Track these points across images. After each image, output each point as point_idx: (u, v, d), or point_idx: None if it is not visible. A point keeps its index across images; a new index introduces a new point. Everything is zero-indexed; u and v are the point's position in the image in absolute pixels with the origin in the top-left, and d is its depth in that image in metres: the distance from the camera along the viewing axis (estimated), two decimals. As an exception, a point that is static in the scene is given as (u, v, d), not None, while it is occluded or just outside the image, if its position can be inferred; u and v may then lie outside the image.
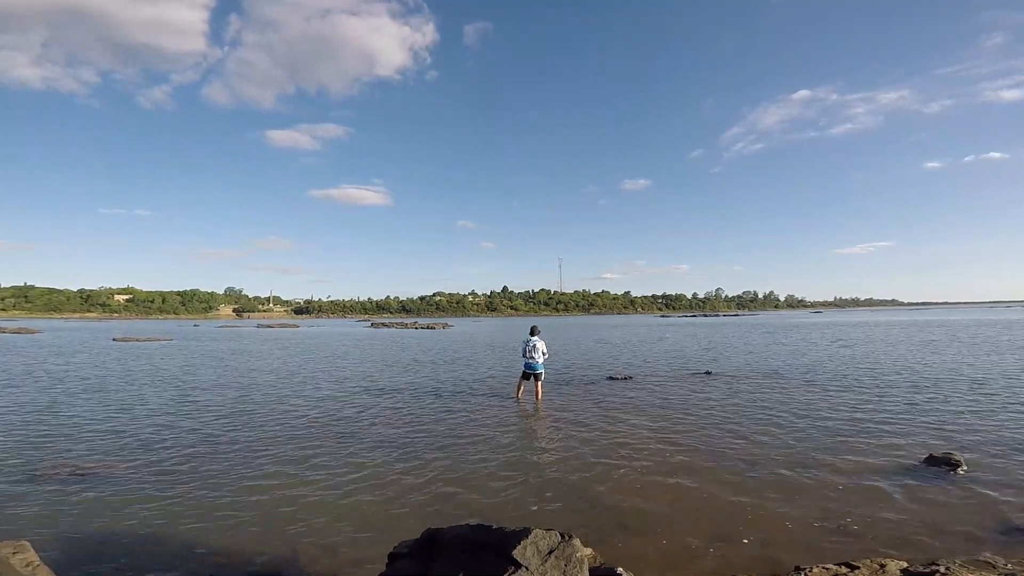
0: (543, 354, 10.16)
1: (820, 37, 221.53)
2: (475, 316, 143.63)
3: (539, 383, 10.14)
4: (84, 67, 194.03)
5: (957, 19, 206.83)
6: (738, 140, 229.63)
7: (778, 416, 8.37)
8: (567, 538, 3.07)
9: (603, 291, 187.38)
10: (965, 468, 5.49)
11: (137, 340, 31.52)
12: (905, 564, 3.14)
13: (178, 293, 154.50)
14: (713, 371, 14.13)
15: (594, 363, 17.07)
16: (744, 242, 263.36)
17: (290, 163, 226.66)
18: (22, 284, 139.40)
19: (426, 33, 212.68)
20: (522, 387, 10.36)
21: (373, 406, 9.75)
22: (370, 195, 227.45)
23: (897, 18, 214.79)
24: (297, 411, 9.28)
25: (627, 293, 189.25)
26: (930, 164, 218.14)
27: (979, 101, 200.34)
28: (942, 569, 3.03)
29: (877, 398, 9.76)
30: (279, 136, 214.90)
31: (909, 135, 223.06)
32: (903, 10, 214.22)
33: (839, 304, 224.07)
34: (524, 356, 10.20)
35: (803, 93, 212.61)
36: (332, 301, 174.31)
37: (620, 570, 3.11)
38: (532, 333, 10.34)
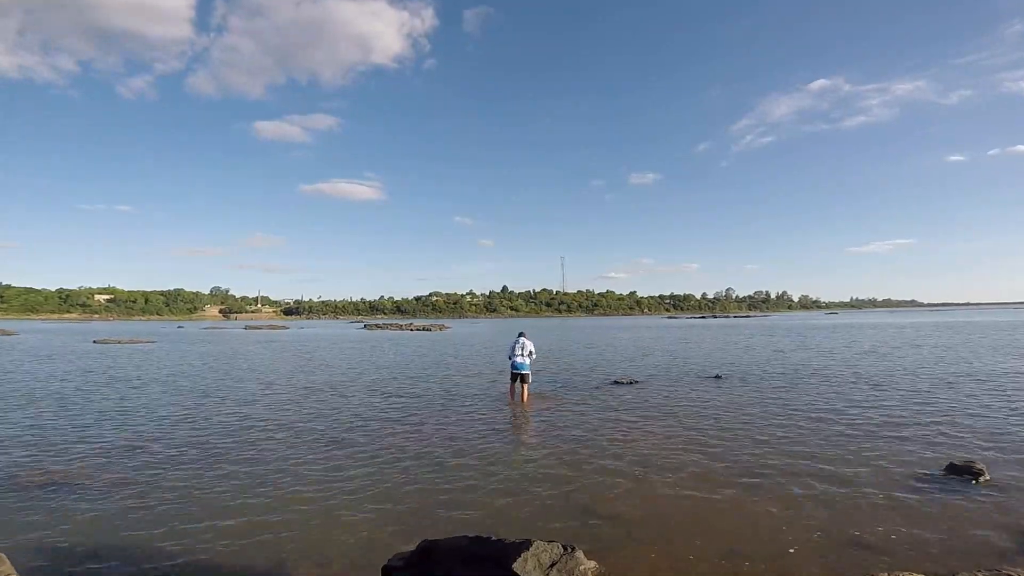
0: (531, 354, 10.55)
1: (830, 25, 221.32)
2: (473, 317, 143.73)
3: (526, 385, 10.53)
4: (62, 55, 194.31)
5: (974, 6, 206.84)
6: (747, 133, 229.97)
7: (791, 422, 8.37)
8: (570, 550, 3.08)
9: (608, 291, 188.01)
10: (987, 477, 5.49)
11: (119, 342, 31.50)
12: (924, 578, 3.14)
13: (162, 293, 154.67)
14: (723, 375, 14.14)
15: (599, 367, 17.07)
16: (756, 240, 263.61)
17: (279, 156, 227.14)
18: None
19: (425, 19, 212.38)
20: (515, 390, 10.51)
21: (366, 412, 9.75)
22: (363, 190, 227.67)
23: (910, 5, 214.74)
24: (285, 418, 9.28)
25: (633, 293, 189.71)
26: (952, 158, 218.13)
27: (1000, 92, 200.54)
28: (963, 583, 3.03)
29: (896, 404, 9.76)
30: (268, 128, 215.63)
31: (927, 128, 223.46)
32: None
33: (855, 305, 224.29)
34: (512, 356, 10.51)
35: (818, 83, 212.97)
36: (323, 301, 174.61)
37: (625, 584, 3.11)
38: (519, 337, 10.80)
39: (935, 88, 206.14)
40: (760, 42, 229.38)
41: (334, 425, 8.60)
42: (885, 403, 9.84)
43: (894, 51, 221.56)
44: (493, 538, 3.17)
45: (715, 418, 8.81)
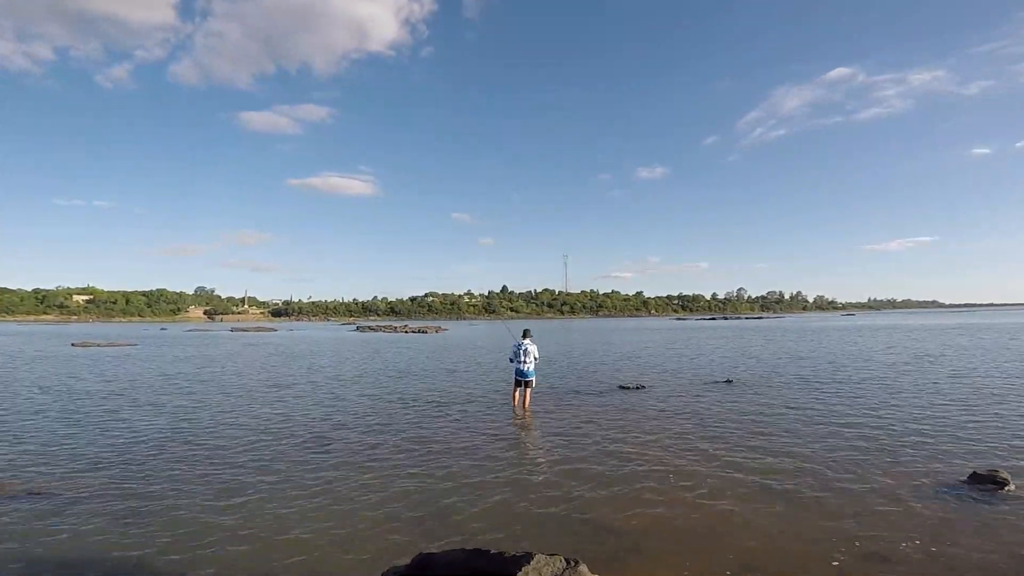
0: (535, 359, 10.44)
1: (839, 14, 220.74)
2: (471, 319, 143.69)
3: (529, 390, 10.45)
4: (38, 42, 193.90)
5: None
6: (757, 126, 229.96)
7: (805, 430, 8.38)
8: (573, 564, 3.08)
9: (613, 291, 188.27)
10: (1012, 487, 5.49)
11: (98, 345, 31.53)
12: (946, 593, 3.14)
13: (143, 293, 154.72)
14: (734, 380, 14.15)
15: (603, 371, 17.09)
16: (769, 238, 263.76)
17: (267, 149, 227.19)
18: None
19: (424, 3, 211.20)
20: (517, 396, 10.48)
21: (358, 418, 9.76)
22: (356, 184, 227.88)
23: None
24: (275, 425, 9.29)
25: (639, 294, 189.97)
26: (977, 151, 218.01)
27: (1023, 82, 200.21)
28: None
29: (916, 410, 9.76)
30: (255, 119, 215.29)
31: (948, 120, 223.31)
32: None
33: (873, 306, 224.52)
34: (515, 361, 10.40)
35: (830, 74, 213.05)
36: (313, 302, 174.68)
37: (632, 599, 3.11)
38: (524, 336, 10.57)
39: (954, 78, 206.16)
40: (769, 32, 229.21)
41: (325, 433, 8.59)
42: (905, 409, 9.84)
43: (908, 40, 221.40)
44: (492, 551, 3.18)
45: (726, 425, 8.80)
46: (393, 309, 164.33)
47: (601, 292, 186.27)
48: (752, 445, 7.48)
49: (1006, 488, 5.45)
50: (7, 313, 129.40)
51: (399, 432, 8.60)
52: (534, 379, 10.50)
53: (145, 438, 8.26)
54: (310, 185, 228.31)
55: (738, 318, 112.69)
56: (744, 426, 8.68)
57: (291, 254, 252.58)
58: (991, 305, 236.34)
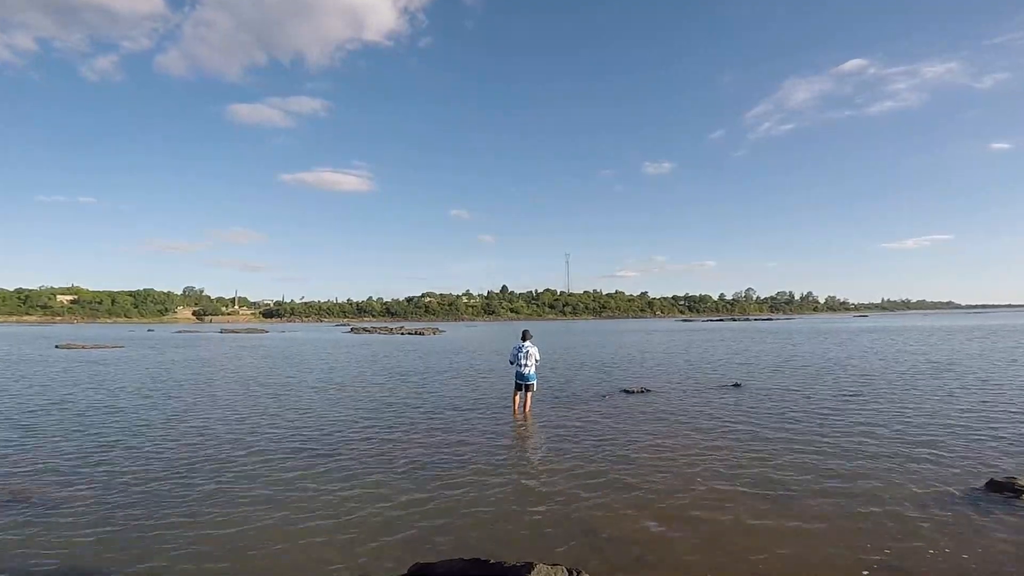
0: (536, 362, 10.41)
1: (847, 5, 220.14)
2: (470, 320, 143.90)
3: (530, 395, 10.44)
4: (19, 32, 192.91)
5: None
6: (765, 119, 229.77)
7: (817, 435, 8.37)
8: (575, 574, 3.08)
9: (617, 291, 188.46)
10: (1031, 495, 5.49)
11: (83, 347, 31.57)
12: (963, 605, 3.14)
13: (130, 293, 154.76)
14: (743, 384, 14.15)
15: (606, 374, 17.10)
16: (778, 236, 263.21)
17: (258, 143, 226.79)
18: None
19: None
20: (517, 400, 10.48)
21: (351, 424, 9.76)
22: (351, 180, 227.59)
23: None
24: (265, 431, 9.29)
25: (644, 294, 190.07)
26: (996, 146, 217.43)
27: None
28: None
29: (930, 416, 9.77)
30: (245, 111, 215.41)
31: (963, 113, 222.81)
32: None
33: (887, 307, 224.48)
34: (515, 364, 10.37)
35: (840, 67, 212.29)
36: (306, 303, 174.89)
37: (636, 611, 3.11)
38: (524, 338, 10.58)
39: (968, 71, 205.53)
40: (775, 22, 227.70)
41: (314, 439, 8.59)
42: (920, 416, 9.84)
43: (918, 31, 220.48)
44: (491, 561, 3.18)
45: (734, 431, 8.80)
46: (389, 310, 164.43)
47: (604, 292, 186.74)
48: (764, 452, 7.47)
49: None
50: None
51: (394, 438, 8.59)
52: (535, 383, 10.51)
53: (130, 445, 8.26)
54: (303, 180, 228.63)
55: (746, 319, 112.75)
56: (755, 432, 8.68)
57: (283, 253, 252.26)
58: (1009, 306, 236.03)
